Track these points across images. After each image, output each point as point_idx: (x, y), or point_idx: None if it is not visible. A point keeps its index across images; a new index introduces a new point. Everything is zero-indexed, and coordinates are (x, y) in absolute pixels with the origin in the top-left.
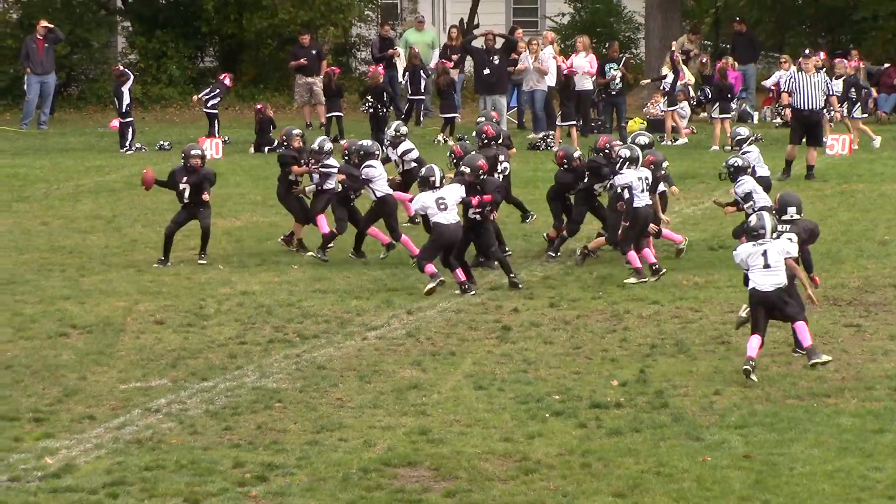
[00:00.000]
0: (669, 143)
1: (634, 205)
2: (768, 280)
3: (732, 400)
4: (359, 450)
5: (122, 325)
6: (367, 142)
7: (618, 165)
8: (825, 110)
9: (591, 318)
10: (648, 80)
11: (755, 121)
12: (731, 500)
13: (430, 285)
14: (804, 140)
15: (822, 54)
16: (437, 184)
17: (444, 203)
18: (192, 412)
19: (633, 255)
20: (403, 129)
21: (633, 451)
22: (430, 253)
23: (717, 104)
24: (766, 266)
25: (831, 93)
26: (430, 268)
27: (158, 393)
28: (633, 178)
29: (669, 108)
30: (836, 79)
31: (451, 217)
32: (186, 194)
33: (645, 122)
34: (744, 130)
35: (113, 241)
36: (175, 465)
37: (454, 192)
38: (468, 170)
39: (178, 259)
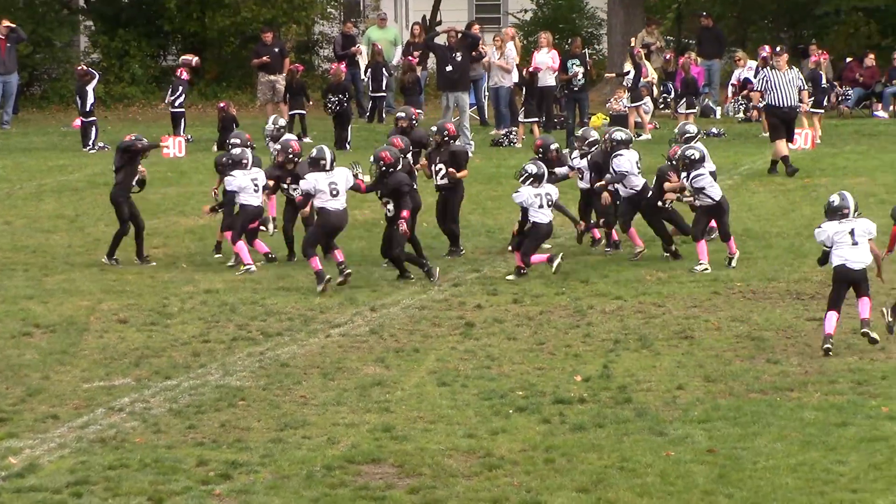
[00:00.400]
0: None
1: (536, 220)
2: (858, 257)
3: (695, 394)
4: (322, 447)
5: (85, 325)
6: (237, 150)
7: (521, 180)
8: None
9: (554, 313)
10: (613, 74)
11: (718, 115)
12: (694, 495)
13: (319, 287)
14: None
15: (768, 49)
16: (328, 166)
17: (336, 189)
18: (155, 411)
19: (537, 257)
20: (281, 122)
21: (597, 446)
22: (314, 239)
23: (684, 99)
24: (854, 244)
25: (804, 87)
26: (316, 263)
27: (122, 392)
28: (529, 195)
29: (633, 104)
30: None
31: (339, 203)
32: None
33: (608, 118)
34: (692, 128)
35: (76, 240)
36: (139, 463)
37: (345, 178)
38: (371, 159)
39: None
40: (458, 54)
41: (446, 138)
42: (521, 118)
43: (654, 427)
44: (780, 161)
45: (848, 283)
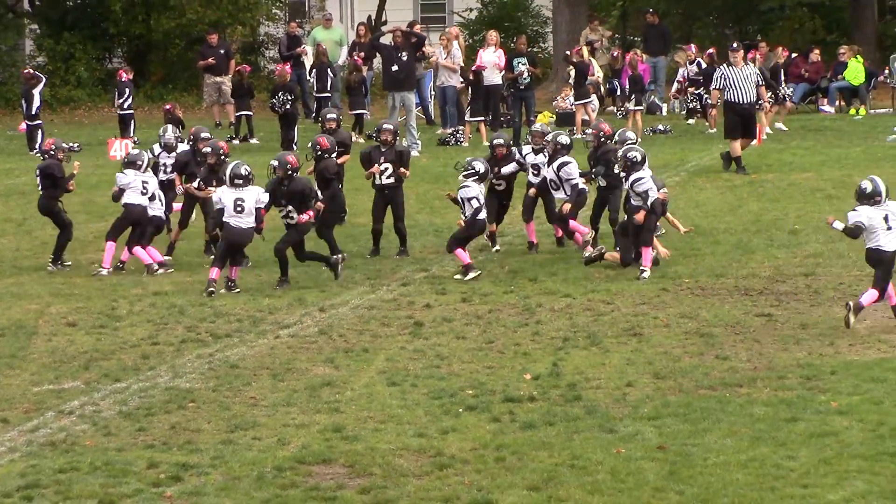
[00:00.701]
0: (580, 136)
1: (477, 217)
2: (891, 241)
3: (645, 391)
4: (273, 448)
5: (34, 328)
6: (134, 151)
7: (465, 174)
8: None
9: (503, 312)
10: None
11: (664, 112)
12: (645, 492)
13: (205, 291)
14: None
15: (694, 47)
16: (228, 183)
17: (242, 206)
18: (105, 414)
19: (460, 251)
20: (176, 133)
21: (547, 444)
22: (222, 254)
23: (633, 96)
24: (889, 229)
25: (762, 84)
26: (215, 273)
27: (71, 395)
28: (478, 192)
29: (579, 102)
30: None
31: (242, 221)
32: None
33: (554, 116)
34: (631, 135)
35: (24, 244)
36: (89, 466)
37: (253, 195)
38: (276, 162)
39: (91, 261)
40: (404, 54)
41: (395, 138)
42: (467, 117)
43: (605, 424)
44: (733, 160)
45: (883, 265)
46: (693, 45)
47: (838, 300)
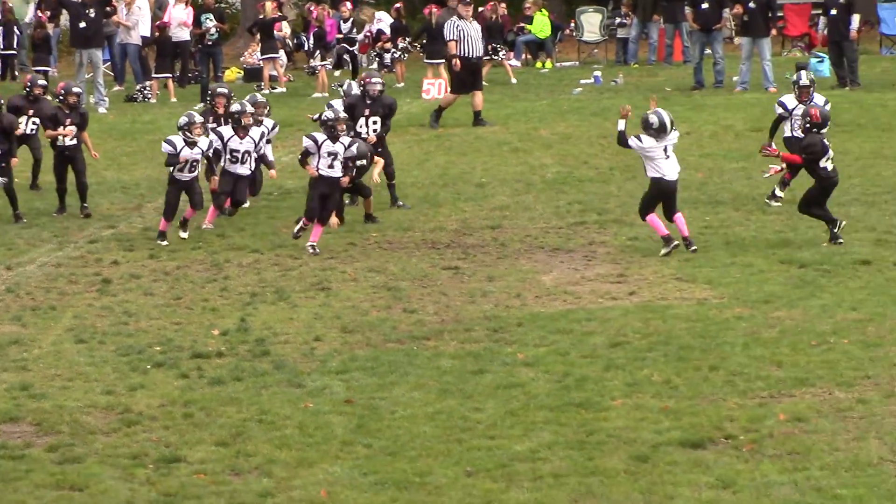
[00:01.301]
0: (268, 91)
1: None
2: (673, 169)
3: (333, 346)
4: None
5: None
6: None
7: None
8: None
9: (191, 268)
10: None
11: (350, 67)
12: (333, 445)
13: None
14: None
15: (350, 4)
16: None
17: None
18: None
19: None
20: None
21: (235, 399)
22: None
23: (318, 52)
24: (668, 157)
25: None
26: None
27: None
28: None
29: (265, 57)
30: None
31: None
32: None
33: (242, 72)
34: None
35: None
36: None
37: None
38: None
39: None
40: (92, 11)
41: (80, 101)
42: (154, 73)
43: (293, 379)
44: (435, 111)
45: (665, 195)
46: (349, 3)
47: (524, 252)
